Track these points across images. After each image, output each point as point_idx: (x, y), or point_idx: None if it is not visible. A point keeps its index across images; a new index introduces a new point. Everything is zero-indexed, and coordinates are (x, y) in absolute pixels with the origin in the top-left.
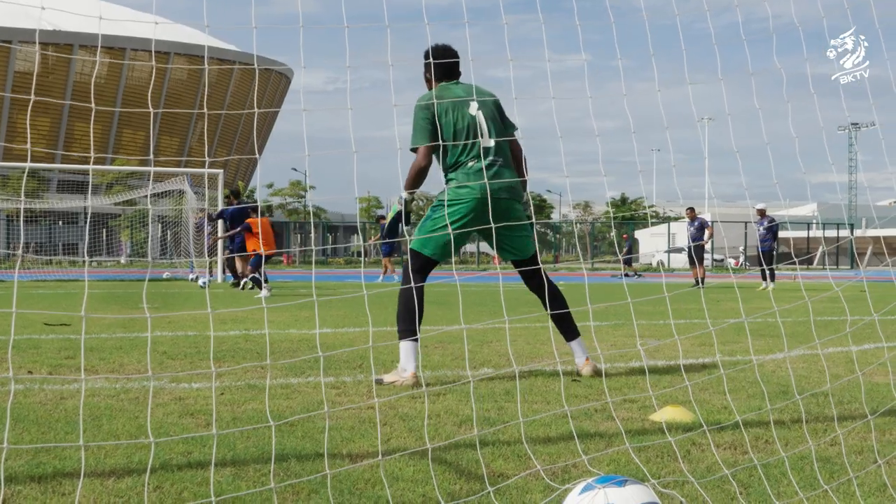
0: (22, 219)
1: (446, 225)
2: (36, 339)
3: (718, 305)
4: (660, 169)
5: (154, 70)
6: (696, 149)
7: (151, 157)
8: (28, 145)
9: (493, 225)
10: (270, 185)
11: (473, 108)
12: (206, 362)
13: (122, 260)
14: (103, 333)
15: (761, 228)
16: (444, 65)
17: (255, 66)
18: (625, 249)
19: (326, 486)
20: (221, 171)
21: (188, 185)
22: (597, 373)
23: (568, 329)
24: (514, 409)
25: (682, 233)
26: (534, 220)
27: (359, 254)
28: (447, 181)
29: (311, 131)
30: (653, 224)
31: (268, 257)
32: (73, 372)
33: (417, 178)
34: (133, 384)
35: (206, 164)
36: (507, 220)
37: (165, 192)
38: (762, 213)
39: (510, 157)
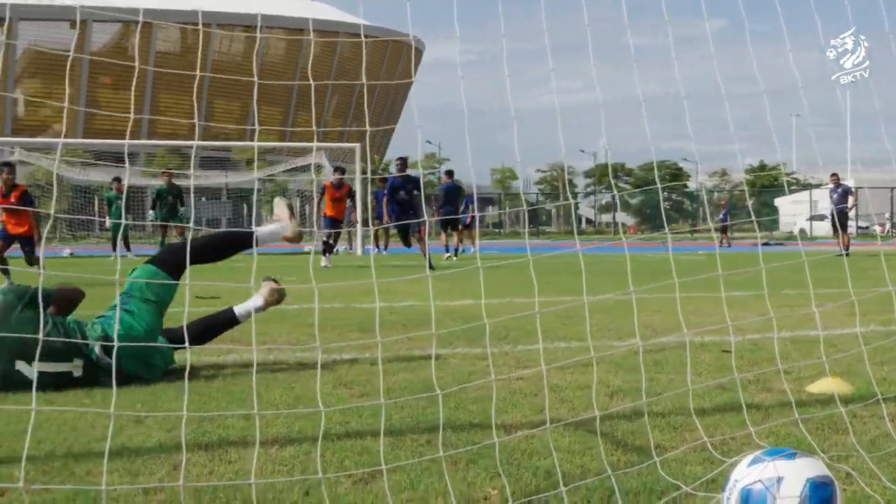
0: (192, 197)
1: None
2: (190, 312)
3: (866, 274)
4: (799, 135)
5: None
6: (835, 112)
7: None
8: (200, 122)
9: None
10: (407, 157)
11: None
12: (355, 333)
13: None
14: None
15: None
16: None
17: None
18: (719, 217)
19: (483, 456)
20: (357, 145)
21: (326, 159)
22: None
23: None
24: (664, 381)
25: (823, 200)
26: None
27: (495, 225)
28: None
29: (443, 103)
30: (792, 192)
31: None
32: (229, 343)
33: None
34: (285, 356)
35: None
36: None
37: (303, 166)
38: None
39: None
